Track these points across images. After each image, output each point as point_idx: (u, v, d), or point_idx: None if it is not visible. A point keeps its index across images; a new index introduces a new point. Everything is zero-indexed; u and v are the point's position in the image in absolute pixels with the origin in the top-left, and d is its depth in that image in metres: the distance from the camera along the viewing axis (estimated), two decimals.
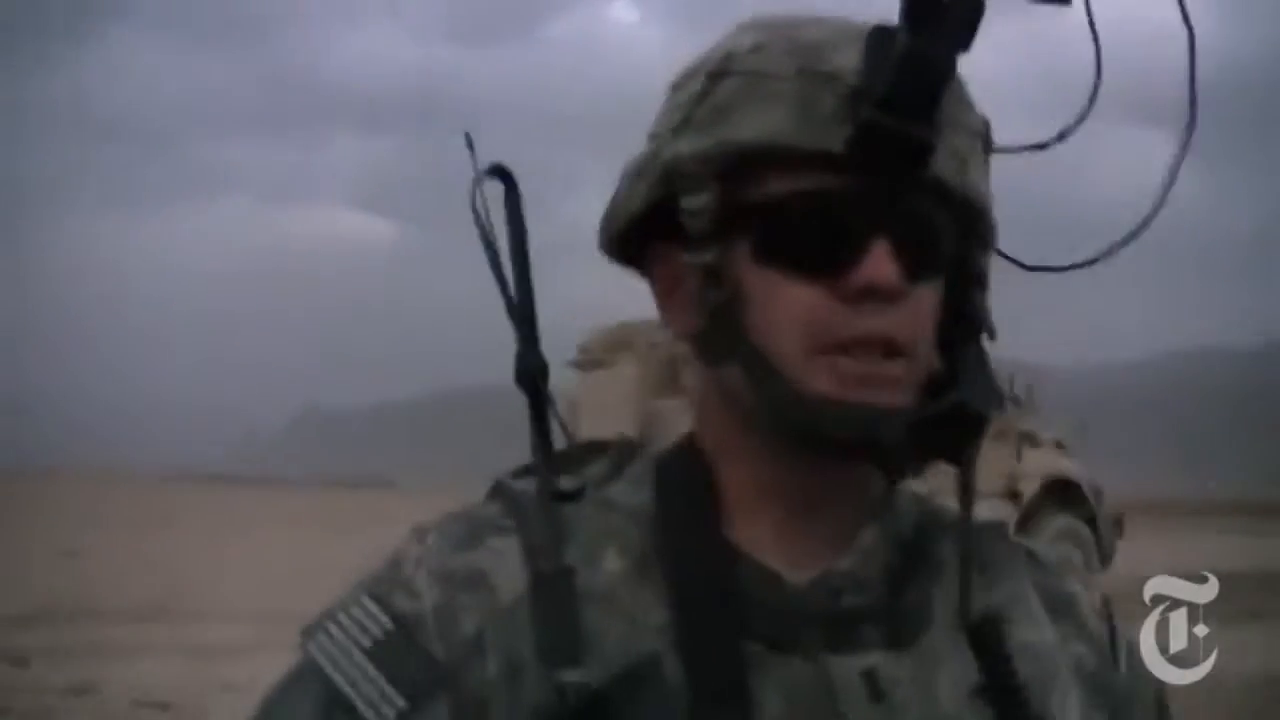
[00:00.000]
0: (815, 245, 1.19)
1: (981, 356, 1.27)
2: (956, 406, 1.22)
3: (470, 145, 1.28)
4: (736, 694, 1.17)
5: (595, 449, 1.37)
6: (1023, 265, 1.32)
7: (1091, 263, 1.31)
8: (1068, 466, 19.56)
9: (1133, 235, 1.29)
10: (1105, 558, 19.42)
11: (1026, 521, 18.64)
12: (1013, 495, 18.56)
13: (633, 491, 1.28)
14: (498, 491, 1.30)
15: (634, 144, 1.30)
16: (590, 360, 18.61)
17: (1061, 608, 1.35)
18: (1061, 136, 1.33)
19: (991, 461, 18.42)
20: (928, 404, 1.22)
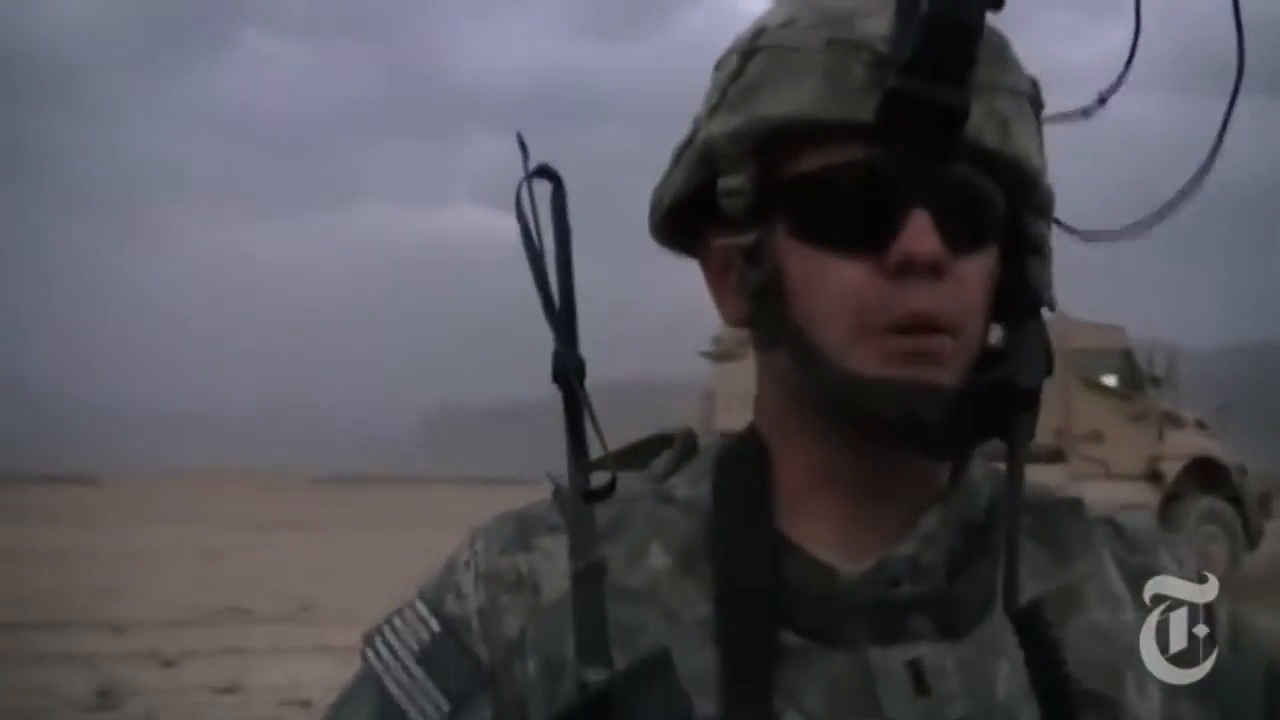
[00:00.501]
0: (852, 220, 1.15)
1: (1039, 330, 1.21)
2: (1003, 381, 1.16)
3: (523, 145, 1.21)
4: (763, 690, 1.14)
5: (664, 441, 1.35)
6: (1075, 231, 1.27)
7: (1144, 226, 1.25)
8: (1211, 446, 19.21)
9: (1183, 195, 1.23)
10: (1253, 538, 19.08)
11: (1170, 503, 18.36)
12: (1155, 477, 18.27)
13: (692, 483, 1.27)
14: (554, 489, 1.27)
15: None
16: (723, 352, 18.64)
17: (1148, 582, 1.27)
18: (1102, 100, 1.29)
19: (1133, 443, 18.18)
20: (975, 380, 1.16)
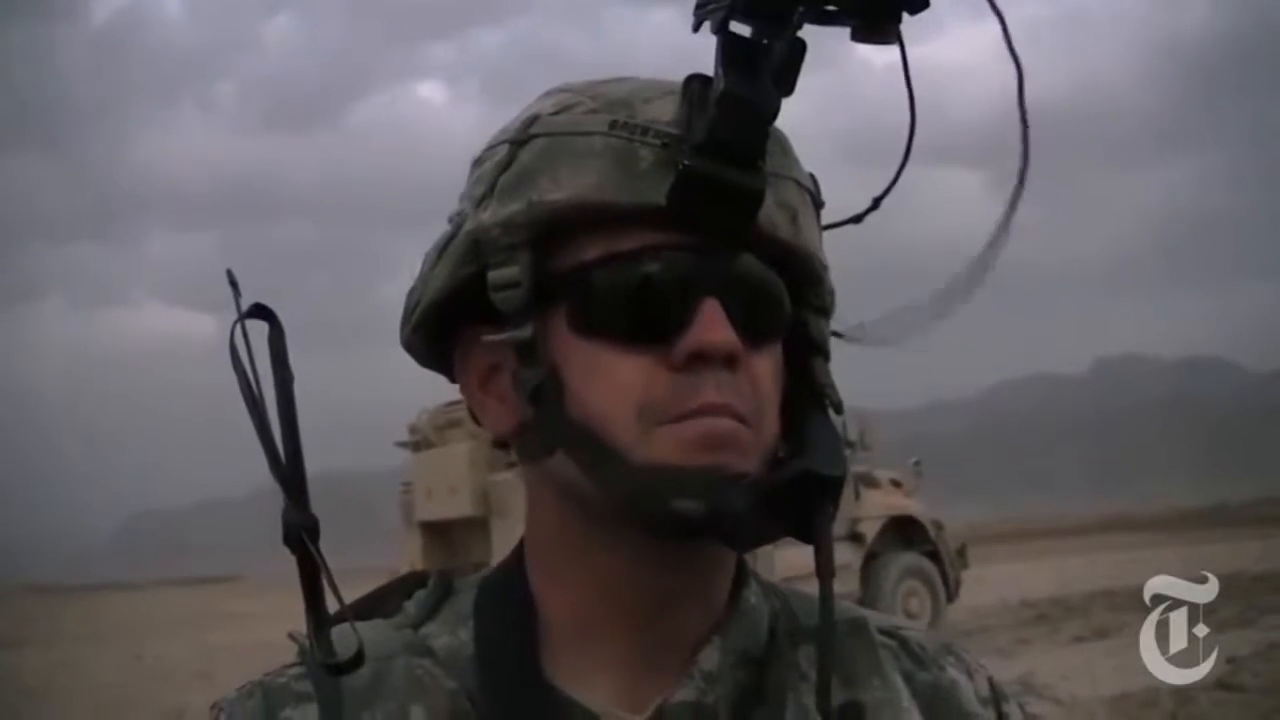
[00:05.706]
0: (638, 310, 1.09)
1: (827, 423, 1.16)
2: (806, 471, 1.10)
3: (233, 283, 1.09)
4: None
5: (415, 580, 1.27)
6: (845, 335, 1.22)
7: (925, 325, 1.20)
8: (907, 504, 19.65)
9: (970, 288, 1.18)
10: (952, 591, 19.59)
11: (871, 561, 18.71)
12: (855, 537, 18.56)
13: (450, 630, 1.19)
14: (300, 651, 1.17)
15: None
16: (420, 441, 18.30)
17: (939, 701, 1.23)
18: (876, 204, 1.23)
19: None
20: (775, 472, 1.11)
